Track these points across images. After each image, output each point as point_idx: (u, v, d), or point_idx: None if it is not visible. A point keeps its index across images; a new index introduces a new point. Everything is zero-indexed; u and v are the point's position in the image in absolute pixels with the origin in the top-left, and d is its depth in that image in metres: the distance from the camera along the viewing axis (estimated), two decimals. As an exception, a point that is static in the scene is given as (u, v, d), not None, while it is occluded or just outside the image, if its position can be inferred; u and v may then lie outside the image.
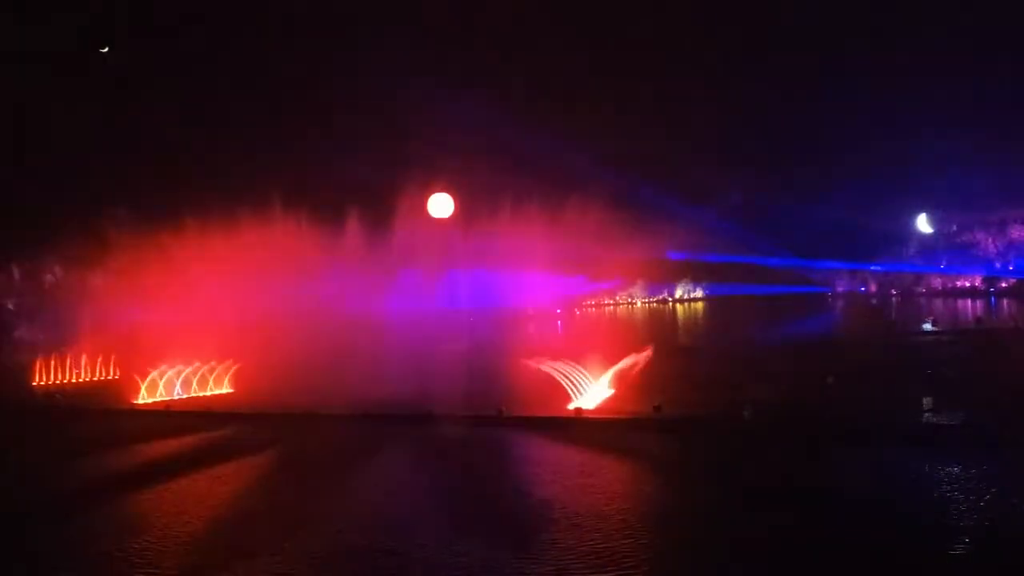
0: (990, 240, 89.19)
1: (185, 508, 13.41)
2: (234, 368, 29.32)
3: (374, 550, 10.83)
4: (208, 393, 28.68)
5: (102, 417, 25.82)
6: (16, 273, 57.92)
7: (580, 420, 20.33)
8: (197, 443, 20.53)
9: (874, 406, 19.70)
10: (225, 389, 29.34)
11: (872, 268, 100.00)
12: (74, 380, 36.63)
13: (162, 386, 28.06)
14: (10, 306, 57.19)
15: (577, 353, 23.33)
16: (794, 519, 11.41)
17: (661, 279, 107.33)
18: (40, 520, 13.23)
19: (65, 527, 12.68)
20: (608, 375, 23.41)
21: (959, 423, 17.27)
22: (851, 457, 15.45)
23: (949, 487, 12.78)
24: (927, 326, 46.13)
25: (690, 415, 19.59)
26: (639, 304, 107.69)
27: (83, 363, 36.62)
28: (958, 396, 19.80)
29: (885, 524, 11.01)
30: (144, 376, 27.94)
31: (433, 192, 51.69)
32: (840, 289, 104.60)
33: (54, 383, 35.97)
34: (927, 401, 18.55)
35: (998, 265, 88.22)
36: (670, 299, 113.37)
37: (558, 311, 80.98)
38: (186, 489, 14.96)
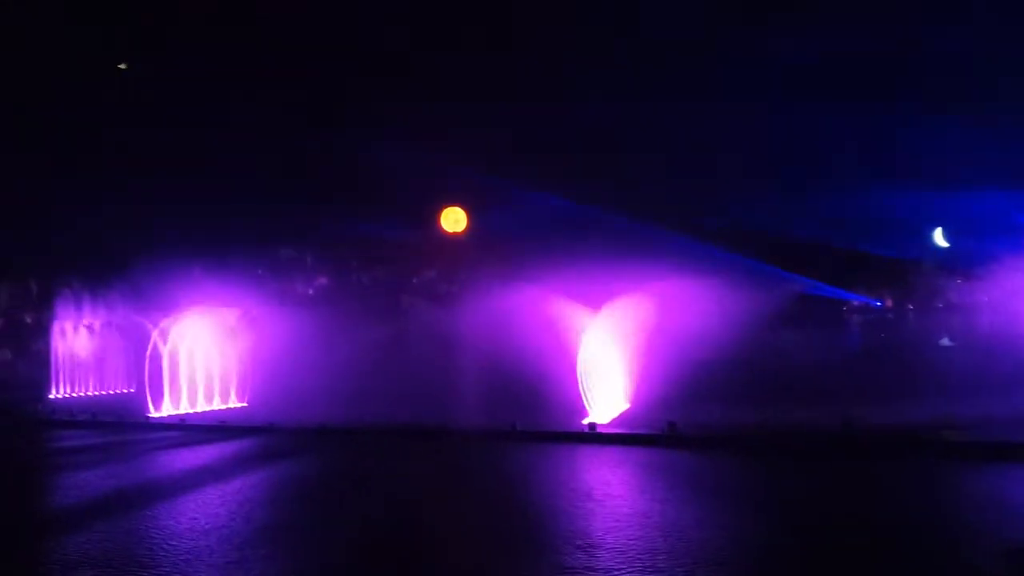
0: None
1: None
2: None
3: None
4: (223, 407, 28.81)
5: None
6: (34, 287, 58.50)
7: (593, 435, 20.24)
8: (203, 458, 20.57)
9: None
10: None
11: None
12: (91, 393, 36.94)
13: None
14: (27, 319, 57.70)
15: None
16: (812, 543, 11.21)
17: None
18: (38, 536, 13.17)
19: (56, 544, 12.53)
20: (623, 387, 23.31)
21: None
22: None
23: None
24: (944, 341, 45.78)
25: (705, 432, 19.42)
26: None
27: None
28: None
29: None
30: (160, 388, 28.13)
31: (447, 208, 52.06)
32: (854, 302, 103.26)
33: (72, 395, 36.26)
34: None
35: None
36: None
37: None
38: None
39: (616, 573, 9.76)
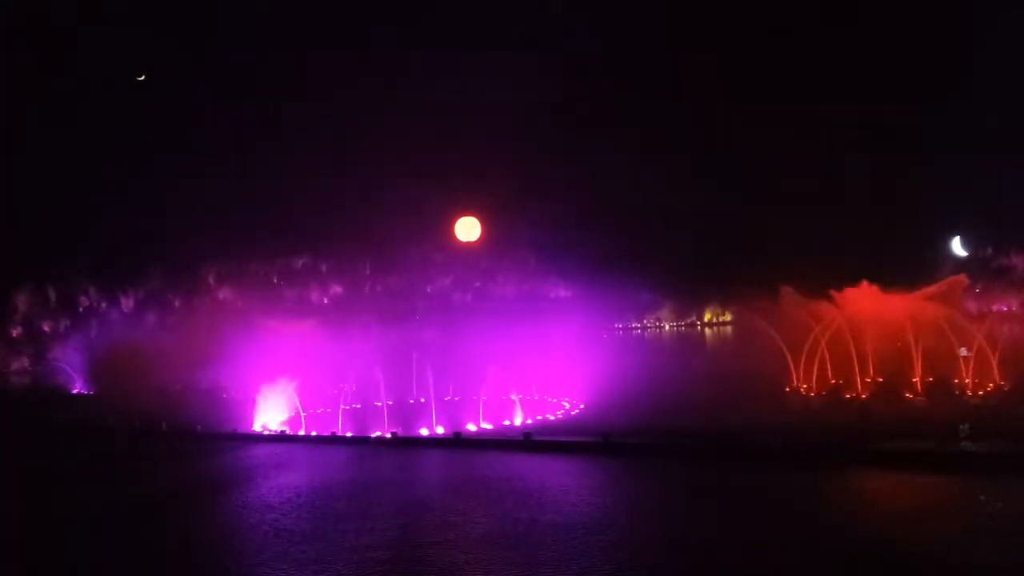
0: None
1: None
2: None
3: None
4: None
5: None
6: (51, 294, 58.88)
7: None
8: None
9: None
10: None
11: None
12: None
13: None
14: (45, 328, 58.15)
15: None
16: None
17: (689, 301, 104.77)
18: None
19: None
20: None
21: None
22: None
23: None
24: (962, 351, 44.93)
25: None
26: (667, 328, 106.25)
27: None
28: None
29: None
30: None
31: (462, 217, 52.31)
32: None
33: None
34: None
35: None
36: (699, 323, 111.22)
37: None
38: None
39: None
